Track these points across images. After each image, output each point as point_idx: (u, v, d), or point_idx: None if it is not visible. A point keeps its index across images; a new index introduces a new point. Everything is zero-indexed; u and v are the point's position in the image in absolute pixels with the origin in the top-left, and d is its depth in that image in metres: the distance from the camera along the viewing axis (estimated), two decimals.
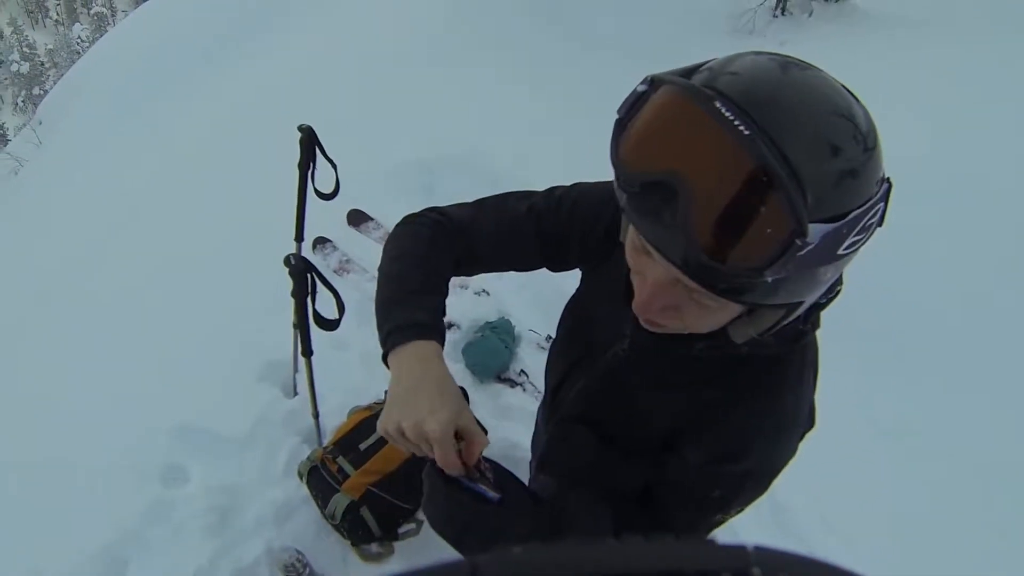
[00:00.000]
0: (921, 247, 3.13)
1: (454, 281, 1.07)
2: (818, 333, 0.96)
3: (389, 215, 3.29)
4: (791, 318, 0.77)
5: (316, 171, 1.97)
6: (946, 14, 5.59)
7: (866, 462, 2.45)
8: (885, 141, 0.67)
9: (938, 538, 2.25)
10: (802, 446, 1.00)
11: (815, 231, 0.59)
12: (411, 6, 5.71)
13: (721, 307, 0.74)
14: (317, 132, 1.93)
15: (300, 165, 1.93)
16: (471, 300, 2.94)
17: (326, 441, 2.18)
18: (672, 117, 0.64)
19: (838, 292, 0.84)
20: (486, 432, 0.87)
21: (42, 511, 2.16)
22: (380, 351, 0.93)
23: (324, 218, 2.56)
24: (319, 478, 2.06)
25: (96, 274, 3.31)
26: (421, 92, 4.52)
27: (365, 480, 2.02)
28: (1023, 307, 2.96)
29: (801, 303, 0.72)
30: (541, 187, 1.13)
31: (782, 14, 6.52)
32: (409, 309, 0.94)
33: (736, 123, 0.59)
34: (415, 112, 4.21)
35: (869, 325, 2.81)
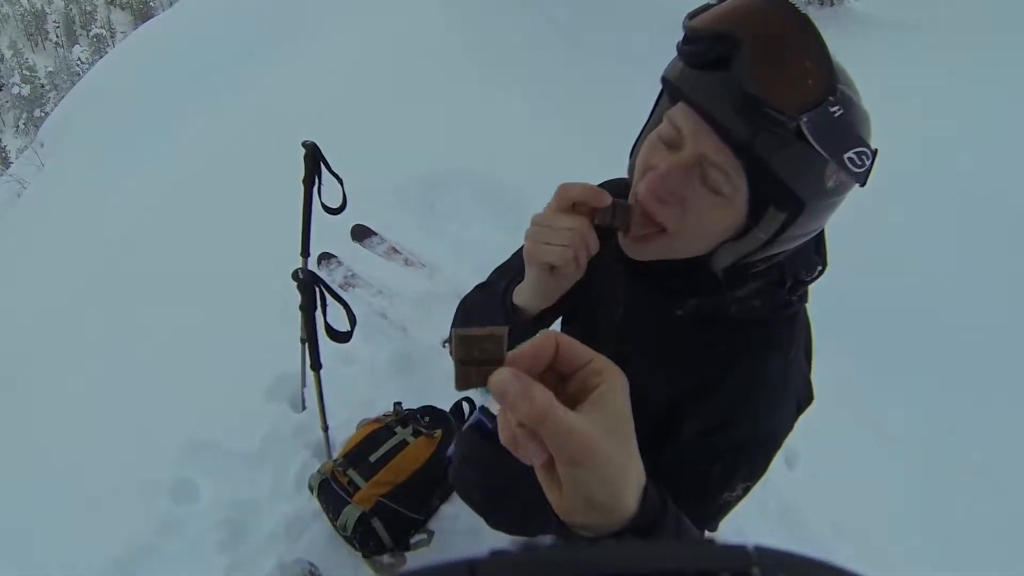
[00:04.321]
0: (925, 251, 3.14)
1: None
2: (812, 315, 1.01)
3: (392, 229, 3.32)
4: (771, 251, 0.83)
5: (322, 186, 2.00)
6: (943, 17, 5.62)
7: (873, 467, 2.46)
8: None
9: (942, 538, 2.26)
10: (804, 438, 1.01)
11: (838, 104, 0.72)
12: (412, 23, 5.75)
13: (726, 204, 0.80)
14: (321, 148, 1.96)
15: (304, 181, 1.97)
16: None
17: (336, 454, 2.19)
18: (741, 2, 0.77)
19: (822, 271, 0.93)
20: None
21: (52, 527, 2.18)
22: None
23: (328, 234, 2.59)
24: (329, 491, 2.06)
25: (103, 293, 3.33)
26: (422, 107, 4.54)
27: (375, 492, 2.02)
28: None
29: (782, 232, 0.80)
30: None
31: None
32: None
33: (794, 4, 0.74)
34: (416, 127, 4.23)
35: (874, 333, 2.82)
